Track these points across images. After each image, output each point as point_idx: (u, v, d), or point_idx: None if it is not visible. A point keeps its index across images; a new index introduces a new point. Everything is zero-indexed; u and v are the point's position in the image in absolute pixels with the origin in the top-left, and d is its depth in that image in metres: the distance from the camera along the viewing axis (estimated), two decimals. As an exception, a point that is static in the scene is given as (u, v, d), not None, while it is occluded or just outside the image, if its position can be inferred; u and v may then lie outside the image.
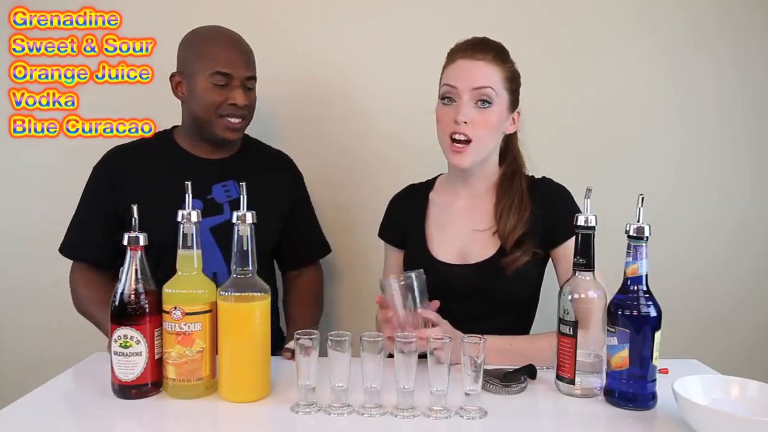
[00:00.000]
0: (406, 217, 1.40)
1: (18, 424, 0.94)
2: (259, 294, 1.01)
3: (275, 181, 1.52)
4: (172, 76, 1.45)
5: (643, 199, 1.01)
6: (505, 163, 1.36)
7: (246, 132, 1.50)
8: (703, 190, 1.83)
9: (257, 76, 1.46)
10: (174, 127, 1.54)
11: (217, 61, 1.38)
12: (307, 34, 1.77)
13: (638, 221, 0.99)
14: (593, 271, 1.05)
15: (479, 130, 1.24)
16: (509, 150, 1.37)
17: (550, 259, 1.34)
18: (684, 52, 1.79)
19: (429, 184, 1.44)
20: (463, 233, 1.33)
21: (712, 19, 1.78)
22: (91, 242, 1.44)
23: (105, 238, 1.42)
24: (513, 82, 1.29)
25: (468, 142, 1.24)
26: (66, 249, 1.46)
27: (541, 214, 1.29)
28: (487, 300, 1.30)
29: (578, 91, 1.78)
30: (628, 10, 1.78)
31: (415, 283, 1.14)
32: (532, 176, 1.37)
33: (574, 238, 1.07)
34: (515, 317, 1.35)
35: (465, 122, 1.23)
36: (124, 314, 1.01)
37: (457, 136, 1.24)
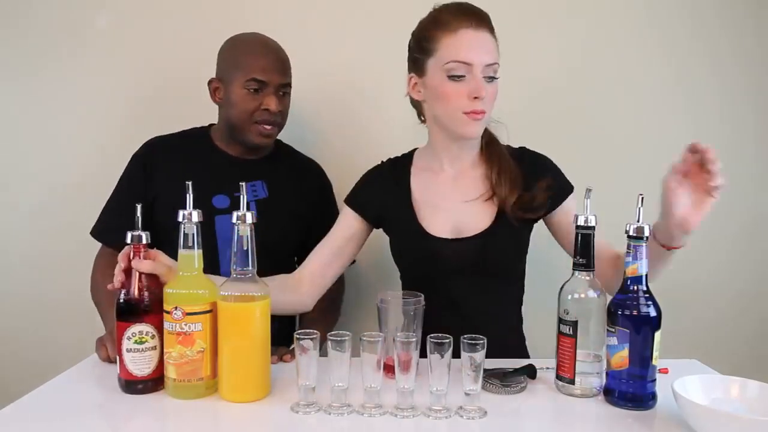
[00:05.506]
0: (388, 193, 1.33)
1: (17, 425, 0.94)
2: (259, 294, 1.01)
3: (303, 187, 1.56)
4: (210, 82, 1.49)
5: (642, 198, 1.01)
6: (485, 132, 1.31)
7: (279, 137, 1.54)
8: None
9: (292, 83, 1.49)
10: (211, 125, 1.58)
11: (252, 69, 1.42)
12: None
13: (638, 221, 1.00)
14: (593, 270, 1.05)
15: (489, 104, 1.22)
16: None
17: (533, 228, 1.32)
18: (688, 48, 1.79)
19: (407, 158, 1.38)
20: (454, 206, 1.29)
21: (711, 10, 1.78)
22: (123, 228, 1.44)
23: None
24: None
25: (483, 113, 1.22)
26: (98, 234, 1.49)
27: (530, 180, 1.26)
28: (486, 273, 1.27)
29: (578, 89, 1.78)
30: (630, 6, 1.78)
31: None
32: (509, 145, 1.34)
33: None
34: (510, 288, 1.33)
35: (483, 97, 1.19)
36: (136, 311, 1.03)
37: (476, 113, 1.19)
